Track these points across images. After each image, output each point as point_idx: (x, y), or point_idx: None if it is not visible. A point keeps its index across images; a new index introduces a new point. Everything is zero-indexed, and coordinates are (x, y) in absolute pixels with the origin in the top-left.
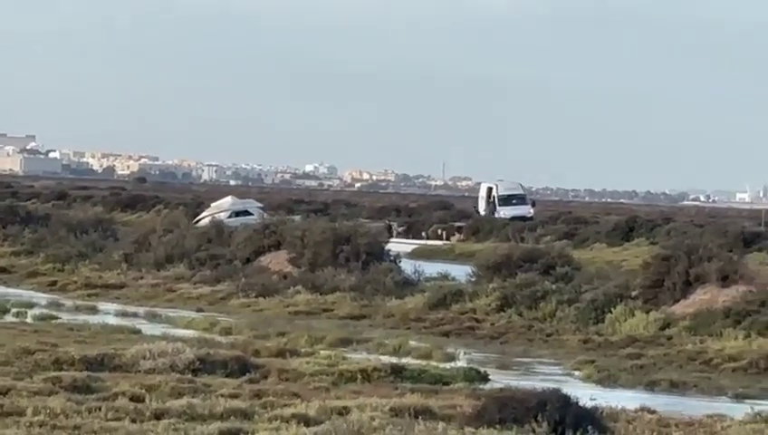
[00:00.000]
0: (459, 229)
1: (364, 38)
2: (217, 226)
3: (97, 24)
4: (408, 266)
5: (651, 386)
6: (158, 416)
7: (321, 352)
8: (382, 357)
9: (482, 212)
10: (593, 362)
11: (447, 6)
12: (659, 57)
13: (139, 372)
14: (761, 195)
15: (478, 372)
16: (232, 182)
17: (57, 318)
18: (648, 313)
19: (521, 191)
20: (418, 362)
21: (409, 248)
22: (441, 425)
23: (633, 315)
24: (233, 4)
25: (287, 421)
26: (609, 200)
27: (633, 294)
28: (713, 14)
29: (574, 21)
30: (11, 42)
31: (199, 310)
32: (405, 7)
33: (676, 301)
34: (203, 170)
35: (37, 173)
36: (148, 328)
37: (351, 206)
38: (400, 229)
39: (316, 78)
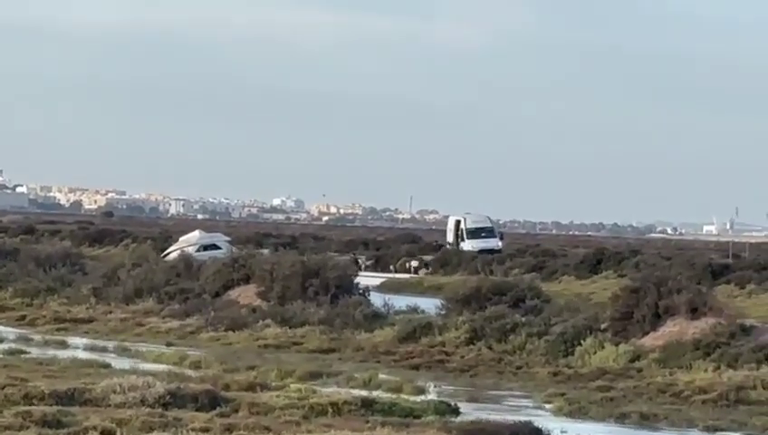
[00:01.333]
0: (427, 265)
1: (331, 72)
2: (186, 260)
3: (62, 60)
4: (377, 300)
5: (621, 418)
6: None
7: (292, 385)
8: (352, 390)
9: (448, 246)
10: (563, 394)
11: (414, 38)
12: (626, 90)
13: (110, 406)
14: (727, 227)
15: (449, 405)
16: (199, 216)
17: (26, 353)
18: (617, 345)
19: (489, 224)
20: (389, 395)
21: (378, 281)
22: None
23: (603, 348)
24: (194, 36)
25: None
26: (576, 233)
27: (602, 326)
28: (682, 48)
29: (543, 52)
30: None
31: (169, 344)
32: (372, 39)
33: (646, 333)
34: (170, 204)
35: (4, 208)
36: (117, 362)
37: (319, 239)
38: (368, 263)
39: (283, 111)
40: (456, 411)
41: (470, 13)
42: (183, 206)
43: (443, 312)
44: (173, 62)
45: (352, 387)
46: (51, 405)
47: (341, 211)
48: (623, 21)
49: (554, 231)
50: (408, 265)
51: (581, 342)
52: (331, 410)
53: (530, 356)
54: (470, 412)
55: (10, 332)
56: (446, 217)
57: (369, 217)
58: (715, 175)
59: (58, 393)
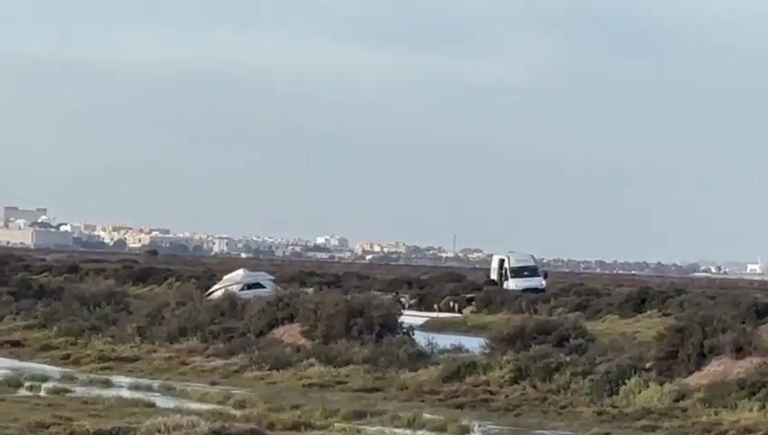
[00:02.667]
0: (470, 300)
1: (374, 109)
2: (230, 298)
3: (108, 100)
4: (421, 339)
5: None
6: None
7: (336, 424)
8: (397, 430)
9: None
10: (608, 434)
11: (458, 76)
12: (668, 127)
13: None
14: None
15: None
16: (243, 255)
17: (71, 391)
18: (662, 384)
19: (533, 263)
20: (433, 434)
21: (421, 320)
22: None
23: (647, 387)
24: (241, 75)
25: None
26: (620, 272)
27: (647, 365)
28: (724, 82)
29: (587, 93)
30: (23, 116)
31: (213, 383)
32: (414, 77)
33: (691, 372)
34: (214, 243)
35: (48, 246)
36: (162, 401)
37: (363, 278)
38: (412, 301)
39: (327, 150)
40: None
41: (509, 50)
42: (227, 244)
43: (487, 351)
44: (218, 101)
45: (397, 426)
46: None
47: (385, 250)
48: (661, 55)
49: (598, 270)
50: (451, 303)
51: (626, 381)
52: None
53: (574, 395)
54: None
55: (55, 370)
56: (490, 255)
57: (413, 256)
58: (759, 213)
59: (102, 432)
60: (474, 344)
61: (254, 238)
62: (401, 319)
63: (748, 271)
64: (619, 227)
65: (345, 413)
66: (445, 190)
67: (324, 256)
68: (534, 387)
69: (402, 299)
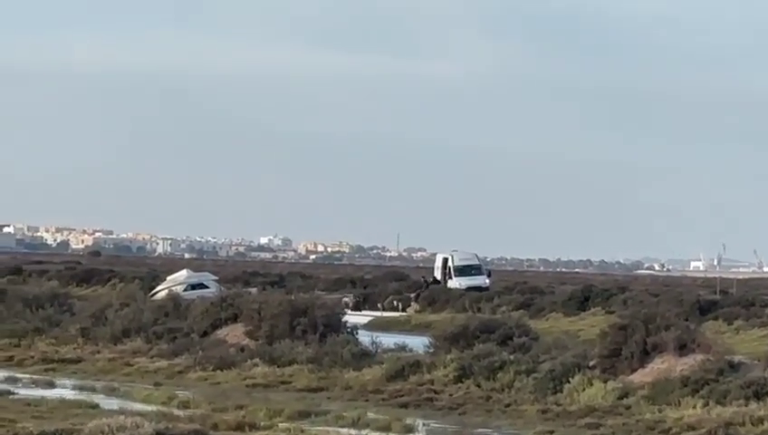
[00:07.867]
0: (416, 298)
1: (316, 109)
2: (174, 299)
3: (49, 96)
4: (365, 338)
5: None
6: None
7: (280, 424)
8: (341, 429)
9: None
10: (552, 432)
11: (402, 74)
12: (613, 127)
13: None
14: (714, 263)
15: None
16: (186, 255)
17: (14, 393)
18: (605, 382)
19: (476, 261)
20: (378, 433)
21: (365, 320)
22: None
23: (591, 385)
24: (183, 76)
25: None
26: (563, 270)
27: (591, 363)
28: (668, 83)
29: (532, 90)
30: None
31: (157, 384)
32: (357, 76)
33: (634, 370)
34: (157, 244)
35: None
36: (105, 402)
37: (307, 278)
38: (356, 301)
39: (270, 150)
40: None
41: (451, 49)
42: (170, 245)
43: (431, 350)
44: (163, 102)
45: (341, 426)
46: None
47: (329, 249)
48: (606, 56)
49: (542, 268)
50: (395, 302)
51: (570, 379)
52: None
53: (518, 394)
54: None
55: None
56: (434, 254)
57: (357, 256)
58: (702, 211)
59: (46, 434)
60: (418, 343)
61: (198, 239)
62: (345, 318)
63: (691, 268)
64: (561, 225)
65: (289, 413)
66: (388, 189)
67: (268, 256)
68: (478, 386)
69: (346, 299)
